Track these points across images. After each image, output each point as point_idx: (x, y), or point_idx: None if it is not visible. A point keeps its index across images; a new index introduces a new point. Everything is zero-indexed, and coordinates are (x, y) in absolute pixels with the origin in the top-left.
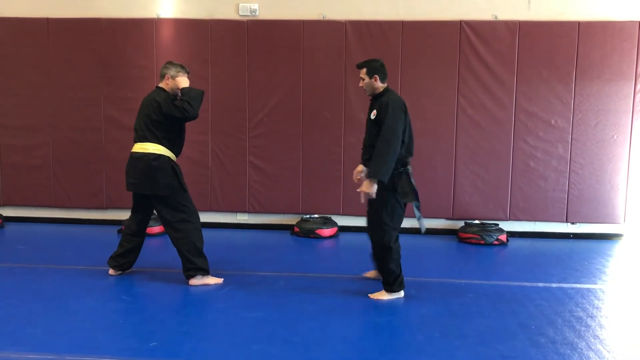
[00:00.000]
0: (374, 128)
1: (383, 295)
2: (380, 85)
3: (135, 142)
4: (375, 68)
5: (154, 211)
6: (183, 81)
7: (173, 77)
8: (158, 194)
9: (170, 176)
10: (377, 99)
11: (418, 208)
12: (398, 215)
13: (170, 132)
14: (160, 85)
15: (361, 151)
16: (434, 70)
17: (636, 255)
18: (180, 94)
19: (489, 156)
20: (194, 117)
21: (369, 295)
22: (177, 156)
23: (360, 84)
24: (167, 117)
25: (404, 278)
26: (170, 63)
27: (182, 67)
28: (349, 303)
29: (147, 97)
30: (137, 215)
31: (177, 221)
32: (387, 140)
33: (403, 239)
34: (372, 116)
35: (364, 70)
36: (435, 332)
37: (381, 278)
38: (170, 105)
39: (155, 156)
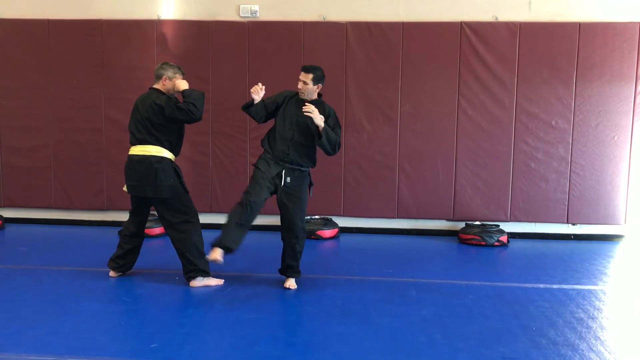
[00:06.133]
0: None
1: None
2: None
3: (134, 144)
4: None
5: (152, 212)
6: (182, 83)
7: (170, 79)
8: (161, 197)
9: (173, 178)
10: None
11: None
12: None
13: (173, 135)
14: (156, 86)
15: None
16: (435, 72)
17: (637, 256)
18: (177, 95)
19: (489, 157)
20: (199, 119)
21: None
22: (176, 156)
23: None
24: (170, 120)
25: (403, 279)
26: (166, 64)
27: (179, 68)
28: (349, 304)
29: (144, 100)
30: (136, 217)
31: (179, 222)
32: None
33: (403, 240)
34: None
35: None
36: (436, 333)
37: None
38: (173, 108)
39: (158, 159)
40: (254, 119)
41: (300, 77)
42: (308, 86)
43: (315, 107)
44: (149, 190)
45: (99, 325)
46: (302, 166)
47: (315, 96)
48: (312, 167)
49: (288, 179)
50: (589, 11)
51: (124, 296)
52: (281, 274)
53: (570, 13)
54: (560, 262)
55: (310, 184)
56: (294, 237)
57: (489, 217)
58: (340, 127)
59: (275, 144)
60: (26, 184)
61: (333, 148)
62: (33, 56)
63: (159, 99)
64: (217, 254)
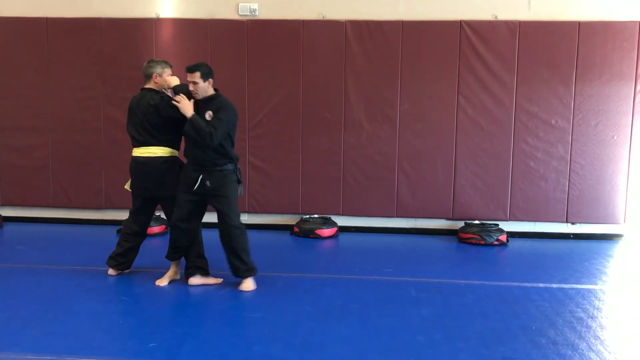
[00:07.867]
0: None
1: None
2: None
3: (136, 146)
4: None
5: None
6: (173, 80)
7: (161, 75)
8: (171, 194)
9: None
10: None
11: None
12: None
13: (173, 133)
14: (148, 86)
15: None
16: (434, 71)
17: (636, 255)
18: (167, 90)
19: (489, 156)
20: None
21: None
22: (178, 151)
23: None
24: (167, 119)
25: (402, 279)
26: (152, 61)
27: (166, 62)
28: (349, 304)
29: (138, 102)
30: (139, 217)
31: None
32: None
33: (402, 239)
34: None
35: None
36: (436, 333)
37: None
38: (167, 107)
39: (164, 159)
40: None
41: (188, 78)
42: (199, 85)
43: (210, 101)
44: (159, 190)
45: (97, 324)
46: (218, 165)
47: (209, 92)
48: (232, 163)
49: (208, 183)
50: (589, 10)
51: (123, 295)
52: (235, 276)
53: (570, 12)
54: (559, 261)
55: (239, 182)
56: (228, 236)
57: (489, 216)
58: (225, 115)
59: (190, 149)
60: (25, 183)
61: (201, 136)
62: (31, 55)
63: (153, 100)
64: (165, 281)
